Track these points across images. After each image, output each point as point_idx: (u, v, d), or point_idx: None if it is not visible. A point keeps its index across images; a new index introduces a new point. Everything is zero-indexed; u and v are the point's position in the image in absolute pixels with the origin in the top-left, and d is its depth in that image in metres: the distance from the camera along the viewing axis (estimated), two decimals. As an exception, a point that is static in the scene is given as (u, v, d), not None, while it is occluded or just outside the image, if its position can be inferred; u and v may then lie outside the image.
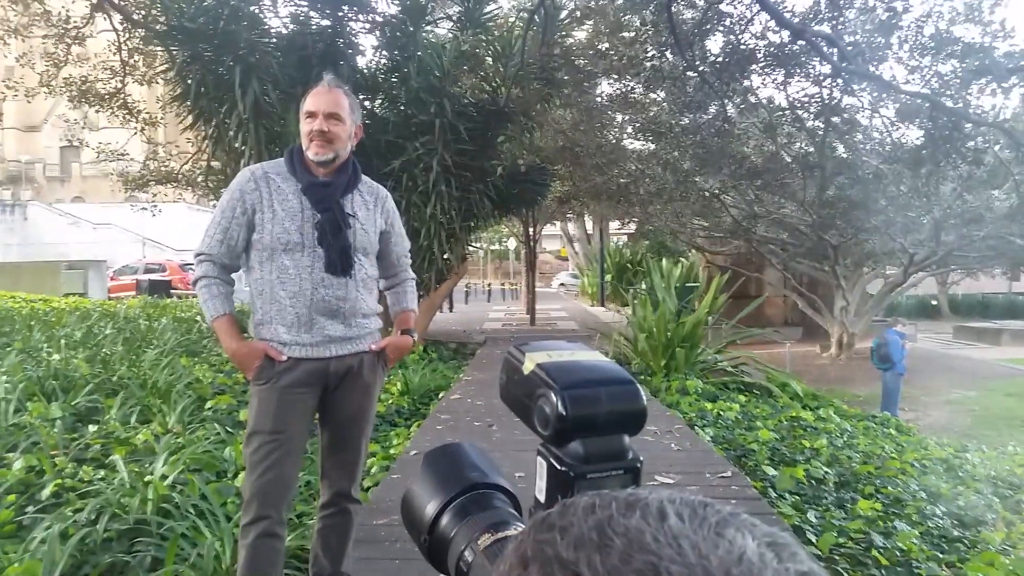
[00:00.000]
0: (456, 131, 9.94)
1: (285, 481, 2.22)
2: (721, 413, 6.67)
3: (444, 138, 9.95)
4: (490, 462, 0.68)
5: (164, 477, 3.93)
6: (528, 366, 0.55)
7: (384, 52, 11.04)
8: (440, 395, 7.14)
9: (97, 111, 16.01)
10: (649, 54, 11.42)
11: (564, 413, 0.52)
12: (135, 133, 16.51)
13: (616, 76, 13.16)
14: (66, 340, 8.31)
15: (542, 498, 0.54)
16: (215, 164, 11.70)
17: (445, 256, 10.81)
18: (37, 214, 36.48)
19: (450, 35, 11.04)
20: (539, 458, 0.54)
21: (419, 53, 10.18)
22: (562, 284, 31.64)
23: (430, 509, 0.62)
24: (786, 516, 3.57)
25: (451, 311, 12.53)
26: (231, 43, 9.80)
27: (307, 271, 2.23)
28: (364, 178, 2.44)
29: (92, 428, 4.99)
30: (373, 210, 2.39)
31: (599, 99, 14.44)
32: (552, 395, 0.52)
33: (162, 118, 16.43)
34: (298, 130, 8.30)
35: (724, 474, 4.11)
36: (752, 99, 13.18)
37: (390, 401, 6.54)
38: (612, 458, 0.53)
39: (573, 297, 27.25)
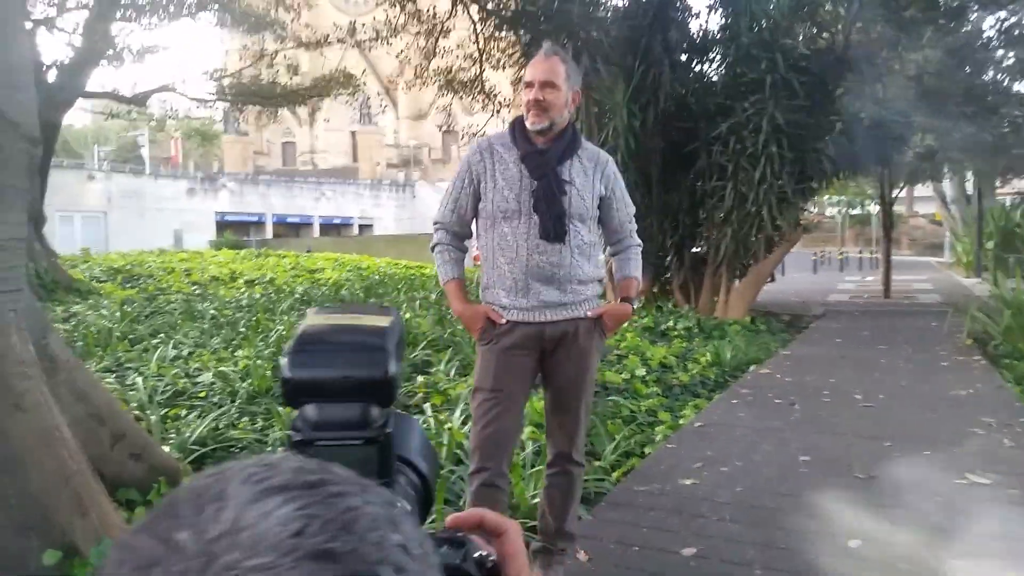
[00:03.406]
0: (789, 87, 9.31)
1: (504, 436, 2.35)
2: (1105, 408, 5.46)
3: (775, 95, 9.37)
4: (424, 445, 0.67)
5: (463, 424, 4.34)
6: (298, 328, 0.55)
7: (717, 11, 10.72)
8: (751, 368, 6.84)
9: (460, 98, 17.80)
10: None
11: (287, 376, 0.51)
12: (491, 116, 18.06)
13: (998, 5, 11.22)
14: (420, 302, 9.49)
15: None
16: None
17: (776, 222, 10.23)
18: (423, 192, 41.97)
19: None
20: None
21: (752, 7, 9.69)
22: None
23: None
24: None
25: (771, 281, 11.68)
26: (566, 22, 10.20)
27: (523, 237, 2.31)
28: (585, 143, 2.44)
29: (420, 379, 5.69)
30: (592, 176, 2.38)
31: (978, 36, 12.44)
32: (284, 357, 0.52)
33: (514, 100, 17.72)
34: (623, 101, 8.41)
35: (1060, 480, 3.40)
36: None
37: (695, 371, 6.43)
38: (348, 427, 0.51)
39: (945, 267, 23.96)
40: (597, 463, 4.13)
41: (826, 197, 27.66)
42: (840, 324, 10.35)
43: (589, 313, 2.37)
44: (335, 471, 0.40)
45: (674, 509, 3.31)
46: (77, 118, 48.70)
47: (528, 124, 2.33)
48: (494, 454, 2.33)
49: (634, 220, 2.55)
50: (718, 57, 10.75)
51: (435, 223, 2.48)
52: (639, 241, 2.54)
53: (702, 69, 11.12)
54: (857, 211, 31.55)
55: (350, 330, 0.54)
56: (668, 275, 11.60)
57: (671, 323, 9.16)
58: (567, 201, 2.31)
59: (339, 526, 0.35)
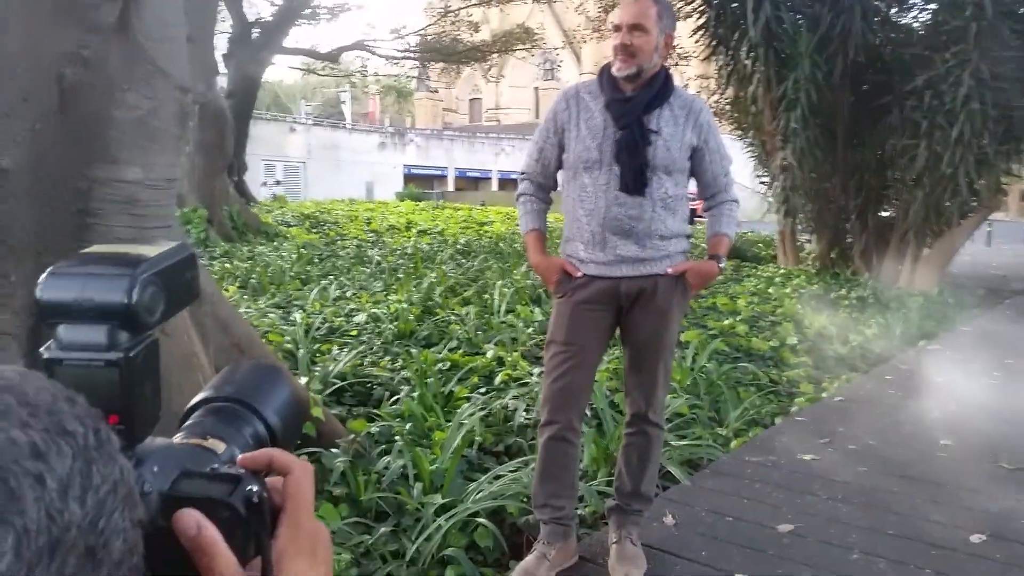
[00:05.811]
0: (997, 35, 8.29)
1: (574, 390, 2.31)
2: None
3: (980, 45, 8.39)
4: (286, 402, 0.67)
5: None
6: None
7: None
8: (920, 342, 6.27)
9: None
10: None
11: (36, 296, 0.53)
12: (670, 68, 17.47)
13: None
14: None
15: None
16: (729, 92, 11.77)
17: (974, 186, 9.24)
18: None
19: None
20: None
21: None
22: None
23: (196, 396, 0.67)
24: None
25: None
26: (748, -32, 9.62)
27: (603, 189, 2.22)
28: (679, 91, 2.30)
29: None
30: (683, 125, 2.24)
31: None
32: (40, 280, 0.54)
33: (693, 52, 17.08)
34: (806, 51, 7.91)
35: None
36: None
37: (856, 343, 6.00)
38: (90, 348, 0.53)
39: None
40: (719, 429, 3.98)
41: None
42: (1041, 302, 9.23)
43: (669, 270, 2.26)
44: (24, 393, 0.39)
45: (782, 484, 3.13)
46: (288, 74, 52.42)
47: (615, 70, 2.23)
48: (564, 407, 2.31)
49: (731, 174, 2.39)
50: (916, 4, 9.74)
51: (520, 173, 2.46)
52: (735, 196, 2.38)
53: (897, 17, 10.15)
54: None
55: (105, 257, 0.56)
56: (849, 239, 10.86)
57: (844, 291, 8.60)
58: (651, 152, 2.19)
59: None
